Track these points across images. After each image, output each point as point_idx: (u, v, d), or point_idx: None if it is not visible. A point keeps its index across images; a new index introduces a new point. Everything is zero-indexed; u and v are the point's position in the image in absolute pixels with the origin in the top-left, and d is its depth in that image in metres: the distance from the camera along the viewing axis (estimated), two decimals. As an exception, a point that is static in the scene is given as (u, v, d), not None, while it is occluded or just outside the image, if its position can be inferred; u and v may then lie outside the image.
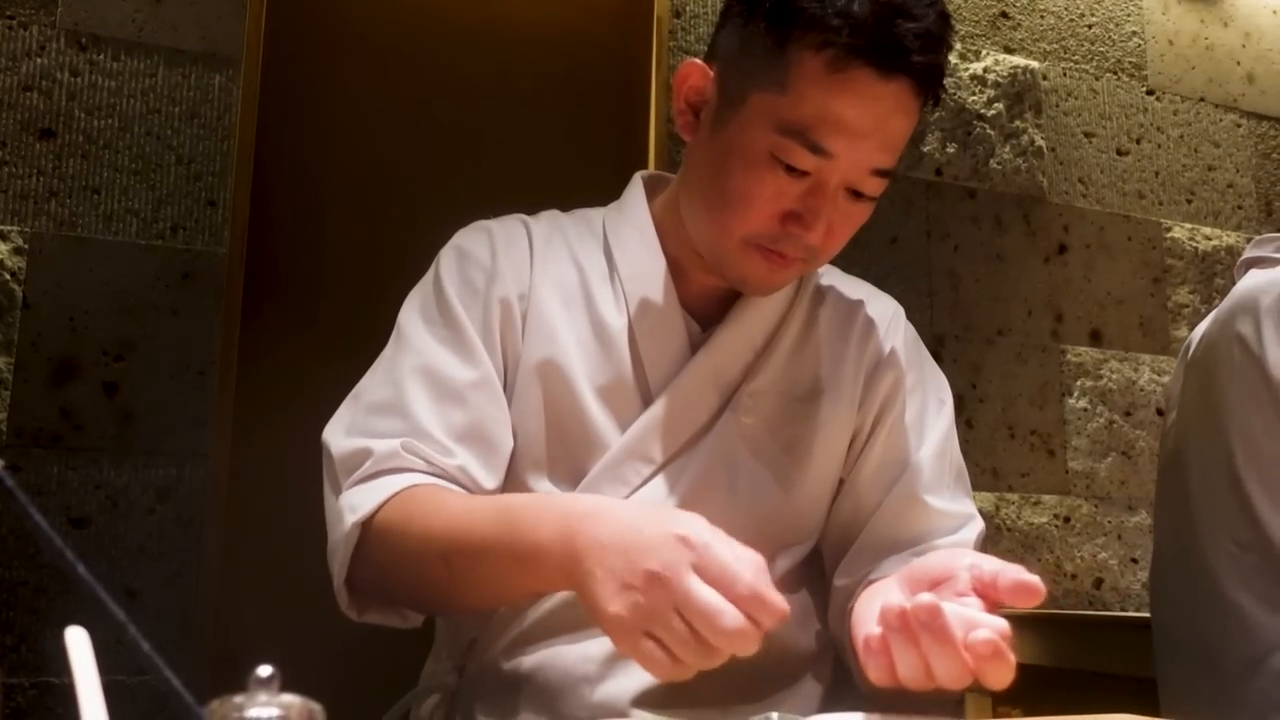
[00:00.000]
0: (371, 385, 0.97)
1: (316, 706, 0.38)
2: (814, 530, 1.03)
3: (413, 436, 0.91)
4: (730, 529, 0.98)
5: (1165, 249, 2.49)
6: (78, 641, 0.39)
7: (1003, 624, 0.67)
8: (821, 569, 1.05)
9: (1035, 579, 0.70)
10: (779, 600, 0.67)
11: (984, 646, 0.64)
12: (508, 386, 0.98)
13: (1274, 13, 2.71)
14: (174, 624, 1.59)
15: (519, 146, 1.95)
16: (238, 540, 1.66)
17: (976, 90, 2.35)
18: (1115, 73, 2.52)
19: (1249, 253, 1.37)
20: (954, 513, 0.99)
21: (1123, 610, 2.27)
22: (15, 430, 1.57)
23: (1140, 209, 2.48)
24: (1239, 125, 2.64)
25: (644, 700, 0.90)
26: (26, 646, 1.53)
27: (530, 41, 2.01)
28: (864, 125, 0.87)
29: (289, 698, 0.37)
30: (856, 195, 0.92)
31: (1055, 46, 2.46)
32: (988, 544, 0.80)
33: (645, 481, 0.97)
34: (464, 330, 0.97)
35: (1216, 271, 2.51)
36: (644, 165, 1.99)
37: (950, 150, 2.30)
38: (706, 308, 1.02)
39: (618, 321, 1.00)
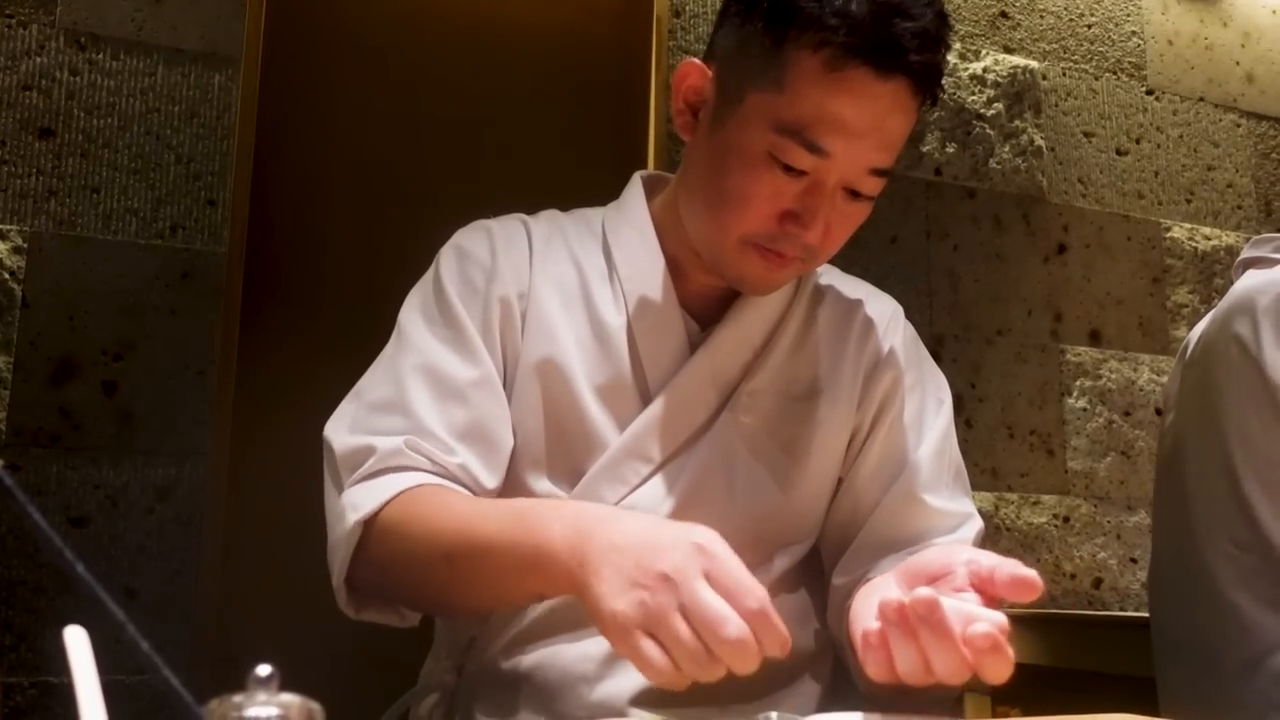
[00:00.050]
0: (373, 383, 0.97)
1: (315, 706, 0.38)
2: (812, 529, 1.04)
3: (415, 434, 0.91)
4: (729, 528, 0.98)
5: (1165, 249, 2.49)
6: (77, 641, 0.39)
7: (1001, 618, 0.67)
8: (820, 568, 1.05)
9: (1032, 573, 0.70)
10: (784, 628, 0.66)
11: (982, 640, 0.65)
12: (507, 385, 0.98)
13: (1273, 13, 2.71)
14: (173, 623, 1.59)
15: (518, 146, 1.95)
16: (237, 539, 1.66)
17: (976, 90, 2.35)
18: (1115, 72, 2.52)
19: (1246, 253, 1.37)
20: (952, 512, 0.99)
21: (1122, 610, 2.27)
22: (14, 429, 1.57)
23: (1140, 209, 2.48)
24: (1238, 125, 2.64)
25: (642, 700, 0.90)
26: (26, 646, 1.53)
27: (530, 41, 2.00)
28: (861, 125, 0.87)
29: (288, 697, 0.37)
30: (854, 195, 0.92)
31: (1055, 46, 2.46)
32: (987, 544, 0.80)
33: (644, 481, 0.97)
34: (464, 329, 0.97)
35: (1216, 271, 2.51)
36: (644, 165, 1.99)
37: (950, 150, 2.30)
38: (705, 307, 1.02)
39: (617, 321, 1.00)
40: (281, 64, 1.81)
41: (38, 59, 1.66)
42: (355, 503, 0.87)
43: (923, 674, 0.68)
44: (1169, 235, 2.50)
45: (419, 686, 1.02)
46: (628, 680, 0.90)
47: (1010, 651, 0.66)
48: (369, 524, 0.87)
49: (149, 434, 1.63)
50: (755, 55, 0.90)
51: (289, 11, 1.84)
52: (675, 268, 1.02)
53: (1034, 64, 2.42)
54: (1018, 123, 2.38)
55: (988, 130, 2.34)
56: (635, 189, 1.08)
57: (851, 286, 1.11)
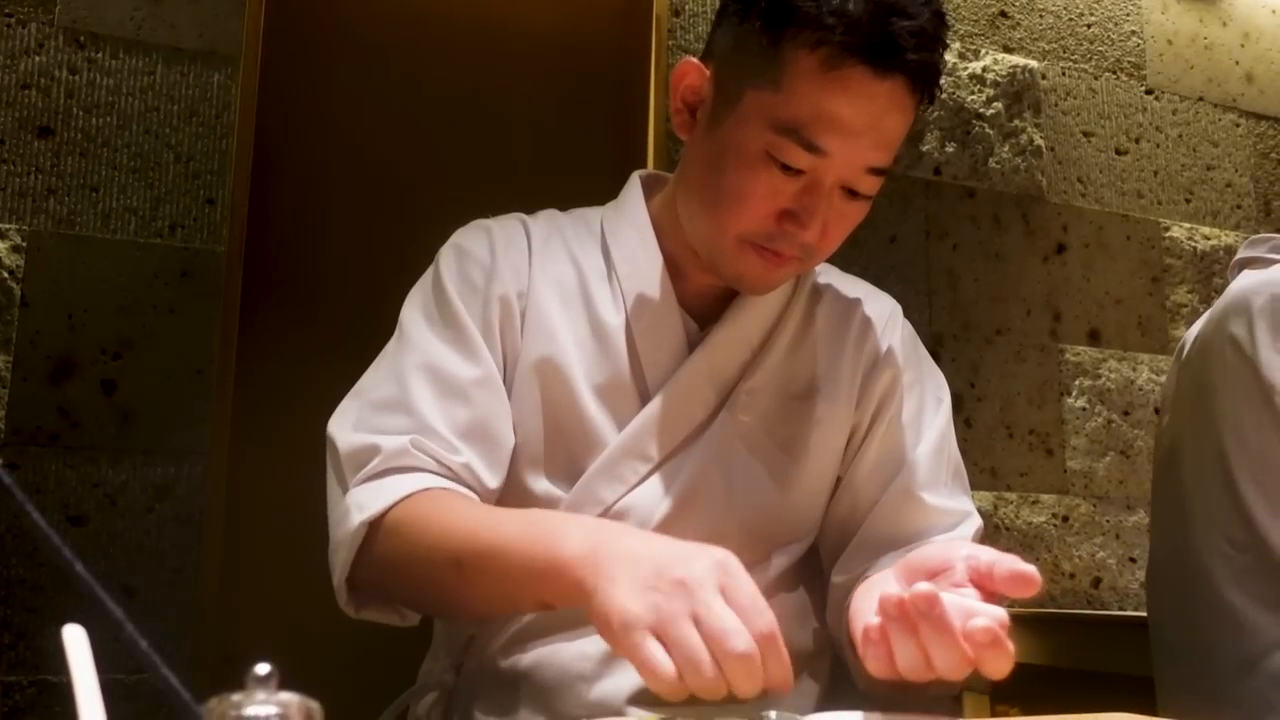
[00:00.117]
0: (375, 382, 0.97)
1: (314, 704, 0.38)
2: (811, 528, 1.04)
3: (420, 434, 0.91)
4: (727, 527, 0.98)
5: (1164, 248, 2.49)
6: (75, 639, 0.39)
7: (1001, 613, 0.67)
8: (819, 568, 1.05)
9: (1031, 569, 0.70)
10: (789, 663, 0.65)
11: (982, 635, 0.65)
12: (506, 384, 0.98)
13: (1273, 12, 2.71)
14: (172, 622, 1.59)
15: (518, 145, 1.95)
16: (236, 538, 1.66)
17: (975, 89, 2.35)
18: (1114, 72, 2.52)
19: (1242, 253, 1.37)
20: (951, 510, 1.00)
21: (1121, 609, 2.27)
22: (13, 428, 1.56)
23: (1139, 208, 2.49)
24: (1238, 125, 2.64)
25: (640, 699, 0.90)
26: (25, 644, 1.53)
27: (529, 40, 2.00)
28: (859, 123, 0.87)
29: (287, 696, 0.37)
30: (852, 194, 0.92)
31: (1054, 46, 2.46)
32: (986, 543, 0.80)
33: (642, 480, 0.97)
34: (465, 328, 0.97)
35: (1215, 271, 2.51)
36: (643, 164, 1.99)
37: (949, 149, 2.30)
38: (704, 306, 1.02)
39: (615, 320, 1.00)
40: (280, 63, 1.81)
41: (37, 58, 1.66)
42: (360, 503, 0.87)
43: (923, 669, 0.68)
44: (1168, 235, 2.50)
45: (417, 685, 1.02)
46: (626, 679, 0.90)
47: (1010, 646, 0.66)
48: (373, 525, 0.87)
49: (148, 433, 1.63)
50: (753, 54, 0.90)
51: (288, 10, 1.84)
52: (674, 267, 1.02)
53: (1033, 63, 2.42)
54: (1017, 122, 2.38)
55: (987, 130, 2.34)
56: (634, 188, 1.08)
57: (850, 285, 1.11)
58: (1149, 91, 2.55)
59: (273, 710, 0.37)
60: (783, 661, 0.64)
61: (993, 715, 1.85)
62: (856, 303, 1.08)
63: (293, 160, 1.82)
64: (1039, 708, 0.86)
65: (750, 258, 0.94)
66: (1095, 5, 2.52)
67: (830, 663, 1.03)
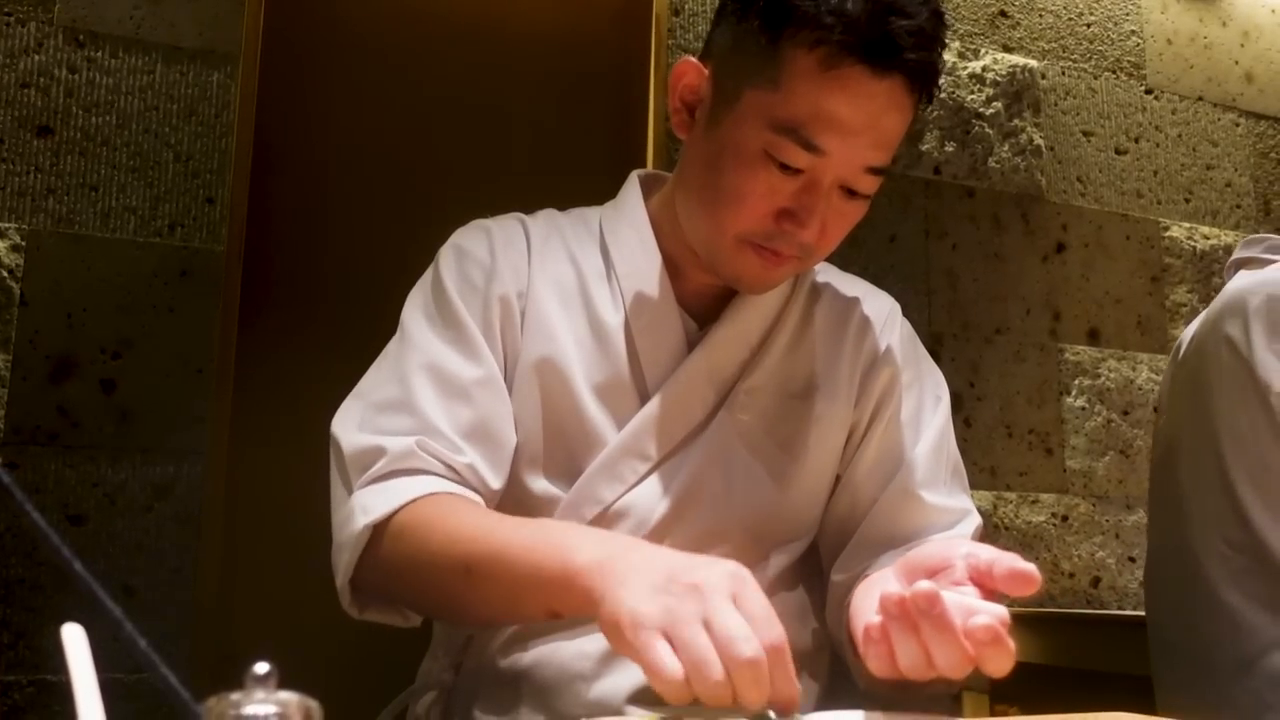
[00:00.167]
0: (378, 382, 0.97)
1: (313, 704, 0.38)
2: (810, 527, 1.04)
3: (424, 434, 0.90)
4: (726, 525, 0.98)
5: (1163, 248, 2.49)
6: (74, 639, 0.39)
7: (1002, 611, 0.67)
8: (818, 567, 1.05)
9: (1031, 567, 0.70)
10: (795, 678, 0.65)
11: (983, 633, 0.65)
12: (507, 384, 0.98)
13: (1272, 12, 2.71)
14: (171, 621, 1.59)
15: (517, 144, 1.95)
16: (235, 538, 1.66)
17: (975, 89, 2.35)
18: (1114, 72, 2.52)
19: (1238, 253, 1.37)
20: (950, 508, 1.00)
21: (1120, 609, 2.27)
22: (13, 428, 1.56)
23: (1138, 208, 2.49)
24: (1237, 124, 2.64)
25: (639, 698, 0.90)
26: (24, 644, 1.53)
27: (529, 39, 2.00)
28: (857, 123, 0.87)
29: (286, 695, 0.37)
30: (851, 193, 0.92)
31: (1054, 45, 2.46)
32: (986, 542, 0.80)
33: (641, 479, 0.97)
34: (466, 328, 0.97)
35: (1214, 270, 2.51)
36: (642, 164, 1.99)
37: (949, 149, 2.30)
38: (703, 306, 1.03)
39: (615, 319, 1.00)
40: (280, 62, 1.81)
41: (36, 57, 1.66)
42: (365, 505, 0.87)
43: (924, 667, 0.68)
44: (1168, 234, 2.50)
45: (417, 685, 1.02)
46: (625, 678, 0.90)
47: (1011, 644, 0.66)
48: (378, 528, 0.87)
49: (147, 432, 1.63)
50: (751, 53, 0.90)
51: (287, 9, 1.84)
52: (673, 266, 1.02)
53: (1033, 63, 2.42)
54: (1017, 122, 2.38)
55: (987, 129, 2.34)
56: (632, 188, 1.08)
57: (848, 284, 1.11)
58: (1148, 91, 2.55)
59: (272, 709, 0.37)
60: (790, 676, 0.64)
61: (992, 714, 1.85)
62: (855, 302, 1.08)
63: (292, 159, 1.82)
64: (1038, 707, 0.86)
65: (749, 257, 0.94)
66: (1095, 5, 2.52)
67: (829, 661, 1.03)
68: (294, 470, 1.57)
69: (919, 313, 2.19)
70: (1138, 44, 2.56)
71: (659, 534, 0.96)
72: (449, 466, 0.91)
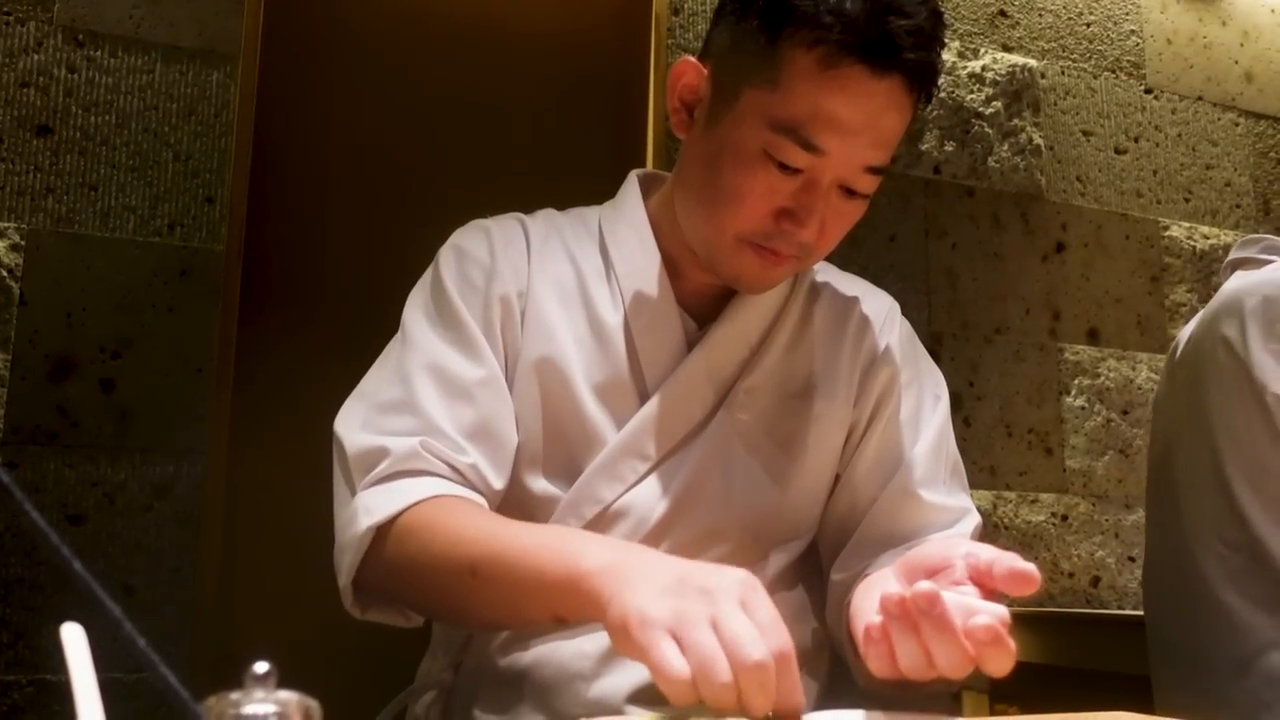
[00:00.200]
0: (380, 383, 0.96)
1: (313, 703, 0.38)
2: (810, 526, 1.04)
3: (428, 434, 0.90)
4: (726, 525, 0.98)
5: (1163, 247, 2.49)
6: (73, 638, 0.39)
7: (1002, 611, 0.67)
8: (817, 566, 1.05)
9: (1030, 567, 0.70)
10: (801, 687, 0.65)
11: (984, 633, 0.65)
12: (508, 383, 0.98)
13: (1272, 12, 2.71)
14: (170, 621, 1.59)
15: (516, 143, 1.95)
16: (234, 537, 1.66)
17: (975, 88, 2.35)
18: (1113, 71, 2.52)
19: (1234, 254, 1.38)
20: (950, 507, 1.00)
21: (1120, 609, 2.27)
22: (12, 427, 1.56)
23: (1138, 207, 2.49)
24: (1237, 124, 2.64)
25: (638, 697, 0.90)
26: (23, 643, 1.53)
27: (529, 38, 2.00)
28: (856, 122, 0.87)
29: (285, 694, 0.37)
30: (850, 193, 0.92)
31: (1054, 45, 2.46)
32: (985, 542, 0.80)
33: (641, 479, 0.97)
34: (467, 328, 0.97)
35: (1214, 270, 2.51)
36: (642, 163, 1.99)
37: (948, 148, 2.30)
38: (702, 305, 1.03)
39: (614, 319, 1.00)
40: (279, 61, 1.81)
41: (35, 56, 1.66)
42: (369, 506, 0.87)
43: (925, 668, 0.68)
44: (1167, 234, 2.50)
45: (416, 684, 1.02)
46: (624, 677, 0.90)
47: (1011, 644, 0.66)
48: (381, 529, 0.87)
49: (147, 432, 1.63)
50: (750, 53, 0.90)
51: (286, 8, 1.84)
52: (672, 266, 1.02)
53: (1033, 62, 2.42)
54: (1016, 121, 2.38)
55: (986, 129, 2.34)
56: (631, 187, 1.08)
57: (847, 283, 1.11)
58: (1148, 91, 2.55)
59: (271, 709, 0.37)
60: (795, 684, 0.64)
61: (992, 714, 1.85)
62: (854, 301, 1.08)
63: (292, 158, 1.82)
64: (1038, 706, 0.86)
65: (748, 257, 0.94)
66: (1094, 4, 2.52)
67: (829, 660, 1.03)
68: (294, 470, 1.57)
69: (918, 312, 2.19)
70: (1137, 43, 2.56)
71: (658, 533, 0.96)
72: (452, 467, 0.91)
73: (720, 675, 0.61)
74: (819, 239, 0.93)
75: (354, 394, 0.98)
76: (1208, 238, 2.54)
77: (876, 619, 0.70)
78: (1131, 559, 2.31)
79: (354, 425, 0.93)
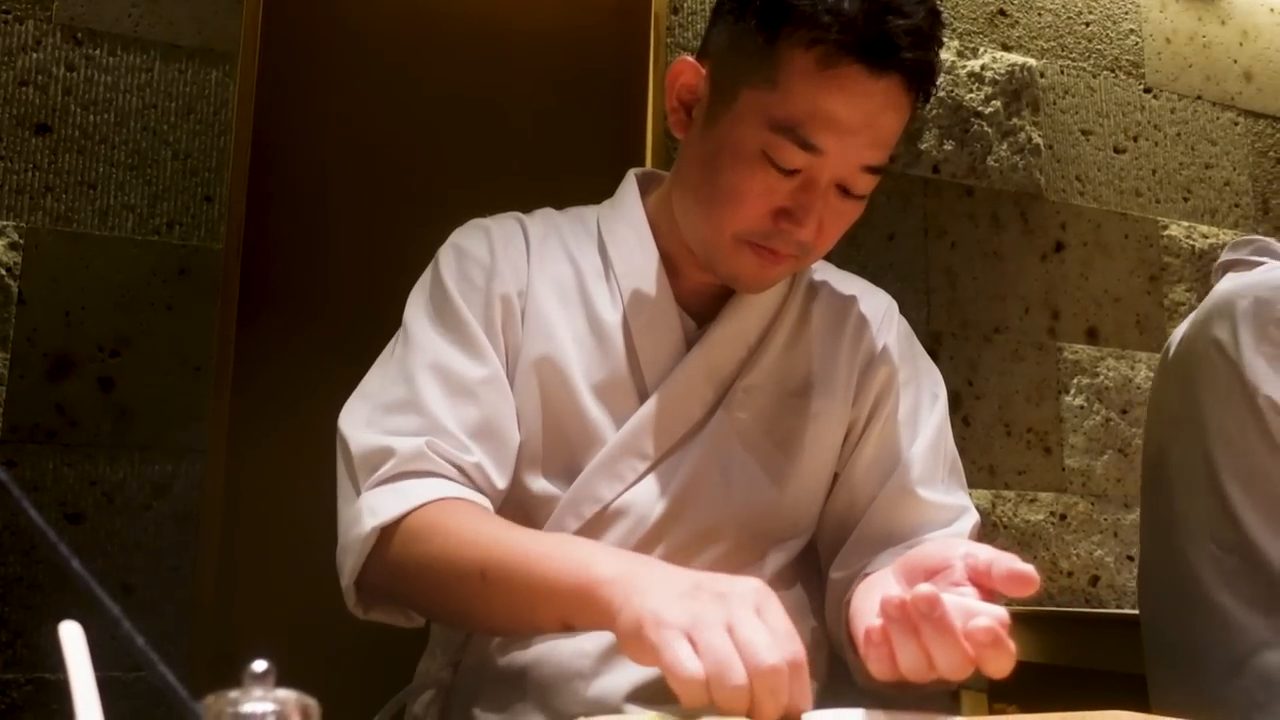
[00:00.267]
0: (384, 382, 0.96)
1: (312, 702, 0.38)
2: (808, 525, 1.04)
3: (433, 434, 0.90)
4: (724, 523, 0.98)
5: (1162, 247, 2.49)
6: (72, 636, 0.39)
7: (1001, 612, 0.67)
8: (816, 565, 1.05)
9: (1029, 568, 0.70)
10: (810, 695, 0.65)
11: (984, 635, 0.65)
12: (509, 382, 0.98)
13: (1271, 11, 2.71)
14: (169, 620, 1.59)
15: (515, 143, 1.95)
16: (233, 536, 1.66)
17: (974, 87, 2.35)
18: (1113, 70, 2.52)
19: (1225, 256, 1.38)
20: (948, 505, 1.00)
21: (1119, 608, 2.27)
22: (11, 426, 1.56)
23: (1137, 207, 2.49)
24: (1236, 123, 2.64)
25: (638, 696, 0.90)
26: (22, 642, 1.53)
27: (528, 37, 2.00)
28: (854, 122, 0.87)
29: (284, 693, 0.37)
30: (847, 192, 0.92)
31: (1053, 44, 2.46)
32: (985, 541, 0.80)
33: (640, 478, 0.97)
34: (469, 327, 0.97)
35: (1213, 269, 2.51)
36: (641, 162, 1.99)
37: (947, 147, 2.30)
38: (701, 304, 1.03)
39: (613, 318, 1.00)
40: (278, 59, 1.81)
41: (34, 54, 1.66)
42: (374, 507, 0.87)
43: (925, 670, 0.68)
44: (1166, 233, 2.50)
45: (415, 683, 1.02)
46: (624, 676, 0.90)
47: (1011, 645, 0.66)
48: (386, 530, 0.86)
49: (146, 430, 1.63)
50: (748, 53, 0.90)
51: (285, 7, 1.84)
52: (670, 265, 1.02)
53: (1032, 61, 2.42)
54: (1015, 120, 2.38)
55: (985, 128, 2.34)
56: (630, 186, 1.08)
57: (846, 282, 1.11)
58: (1147, 90, 2.55)
59: (270, 707, 0.37)
60: (806, 692, 0.64)
61: (990, 713, 1.85)
62: (852, 300, 1.08)
63: (291, 157, 1.82)
64: (1037, 705, 0.86)
65: (746, 256, 0.94)
66: (1094, 3, 2.52)
67: (827, 658, 1.03)
68: (293, 468, 1.57)
69: (918, 311, 2.19)
70: (1136, 43, 2.56)
71: (657, 532, 0.96)
72: (458, 467, 0.91)
73: (735, 678, 0.62)
74: (817, 238, 0.93)
75: (357, 393, 0.97)
76: (1207, 237, 2.54)
77: (877, 621, 0.70)
78: (1130, 558, 2.31)
79: (359, 424, 0.93)
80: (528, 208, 1.11)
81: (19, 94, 1.64)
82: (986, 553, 0.73)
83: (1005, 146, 2.36)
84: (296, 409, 1.50)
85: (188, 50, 1.74)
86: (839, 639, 0.98)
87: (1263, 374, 1.17)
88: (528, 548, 0.81)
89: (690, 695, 0.63)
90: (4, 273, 1.59)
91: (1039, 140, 2.39)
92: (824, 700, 0.99)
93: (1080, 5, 2.51)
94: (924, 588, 0.66)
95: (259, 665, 0.37)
